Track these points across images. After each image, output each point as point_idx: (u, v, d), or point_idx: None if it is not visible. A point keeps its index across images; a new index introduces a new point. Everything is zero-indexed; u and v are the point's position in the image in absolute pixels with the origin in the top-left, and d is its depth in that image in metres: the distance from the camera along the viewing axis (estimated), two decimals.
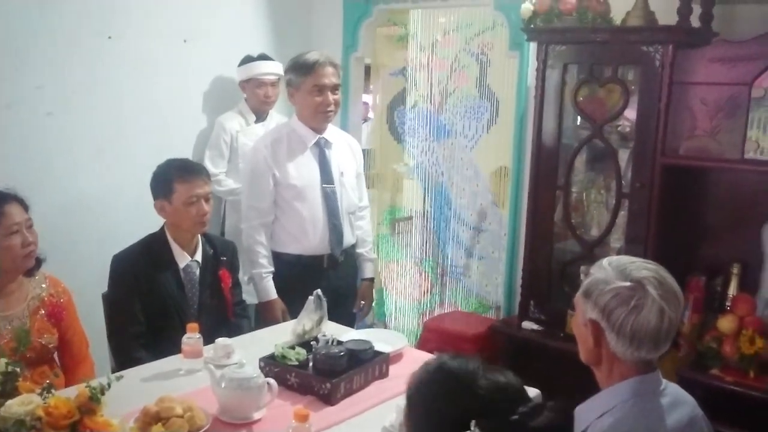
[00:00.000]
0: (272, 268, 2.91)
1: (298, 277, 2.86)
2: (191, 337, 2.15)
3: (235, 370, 1.87)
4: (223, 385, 1.85)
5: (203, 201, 2.53)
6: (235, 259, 2.76)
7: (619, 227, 2.90)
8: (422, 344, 3.44)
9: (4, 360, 1.55)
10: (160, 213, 2.55)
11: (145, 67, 3.40)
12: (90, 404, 1.51)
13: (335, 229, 2.93)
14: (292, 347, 2.18)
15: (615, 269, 1.51)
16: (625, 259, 1.55)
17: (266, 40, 3.88)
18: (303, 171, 2.90)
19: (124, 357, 2.41)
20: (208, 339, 2.30)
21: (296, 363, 2.10)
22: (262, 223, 2.90)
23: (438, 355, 1.44)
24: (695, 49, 2.59)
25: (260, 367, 2.09)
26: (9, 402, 1.47)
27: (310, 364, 2.10)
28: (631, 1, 2.77)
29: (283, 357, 2.11)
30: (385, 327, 4.21)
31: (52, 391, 1.55)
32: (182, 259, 2.56)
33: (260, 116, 3.67)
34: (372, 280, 3.22)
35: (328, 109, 2.87)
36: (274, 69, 3.59)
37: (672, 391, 1.57)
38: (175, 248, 2.55)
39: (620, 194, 2.85)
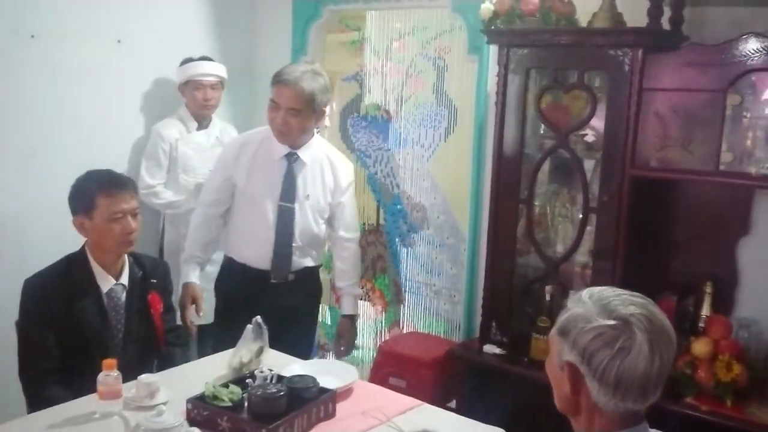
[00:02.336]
0: (200, 255, 2.84)
1: (245, 287, 2.73)
2: (108, 374, 1.88)
3: (152, 418, 1.61)
4: None
5: (129, 217, 2.28)
6: (167, 281, 2.51)
7: (585, 243, 2.72)
8: (376, 369, 3.21)
9: None
10: (80, 231, 2.29)
11: (73, 69, 3.12)
12: None
13: (281, 250, 2.73)
14: (226, 385, 1.93)
15: (597, 304, 1.29)
16: (609, 292, 1.32)
17: (209, 42, 3.64)
18: (261, 183, 2.72)
19: (35, 396, 2.13)
20: (136, 372, 2.05)
21: (229, 404, 1.85)
22: (206, 213, 2.83)
23: None
24: (666, 54, 2.43)
25: (187, 410, 1.83)
26: None
27: (245, 405, 1.85)
28: (597, 2, 2.61)
29: (215, 397, 1.86)
30: None
31: None
32: (105, 282, 2.30)
33: (202, 123, 3.42)
34: (353, 317, 2.98)
35: (277, 127, 2.66)
36: (214, 70, 3.36)
37: None
38: (97, 270, 2.29)
39: (587, 208, 2.67)
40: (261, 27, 3.88)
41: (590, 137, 2.73)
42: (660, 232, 2.73)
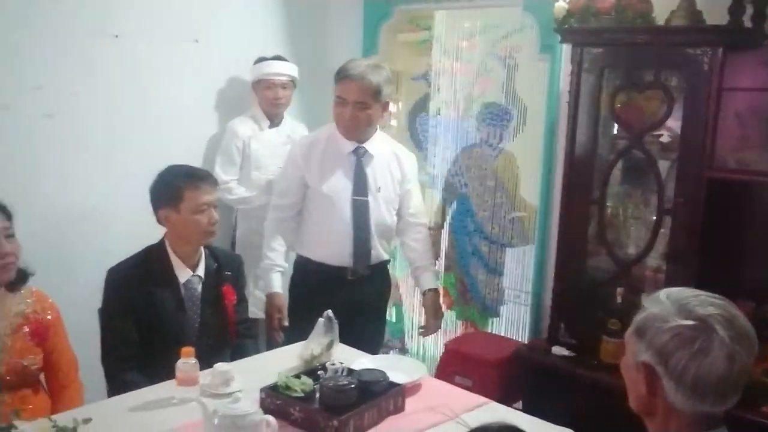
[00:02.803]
0: (282, 264, 2.87)
1: (321, 285, 2.73)
2: (186, 362, 1.95)
3: (229, 404, 1.65)
4: (215, 422, 1.64)
5: (212, 208, 2.35)
6: (240, 274, 2.57)
7: (658, 245, 2.67)
8: (442, 368, 3.21)
9: None
10: (164, 223, 2.36)
11: (152, 68, 3.23)
12: None
13: (361, 244, 2.75)
14: (298, 376, 1.97)
15: (674, 304, 1.28)
16: (687, 292, 1.30)
17: (282, 42, 3.70)
18: (334, 179, 2.74)
19: (115, 380, 2.22)
20: (209, 362, 2.10)
21: (301, 395, 1.88)
22: (279, 218, 2.86)
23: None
24: (747, 52, 2.36)
25: (261, 399, 1.88)
26: None
27: (317, 396, 1.89)
28: None
29: (287, 387, 1.90)
30: (403, 345, 3.99)
31: (13, 431, 1.34)
32: (183, 273, 2.37)
33: (273, 121, 3.49)
34: (436, 290, 2.99)
35: (346, 123, 2.68)
36: (285, 70, 3.41)
37: None
38: (176, 262, 2.36)
39: (661, 209, 2.61)
40: (332, 27, 3.92)
41: (665, 138, 2.67)
42: (737, 236, 2.65)
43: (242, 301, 2.57)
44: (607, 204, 2.79)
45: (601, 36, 2.66)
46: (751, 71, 2.34)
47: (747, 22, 2.47)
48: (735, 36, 2.40)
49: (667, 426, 1.30)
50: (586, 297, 2.83)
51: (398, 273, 3.81)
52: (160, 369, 2.11)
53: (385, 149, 2.83)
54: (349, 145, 2.74)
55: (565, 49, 2.95)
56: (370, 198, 2.74)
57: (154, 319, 2.28)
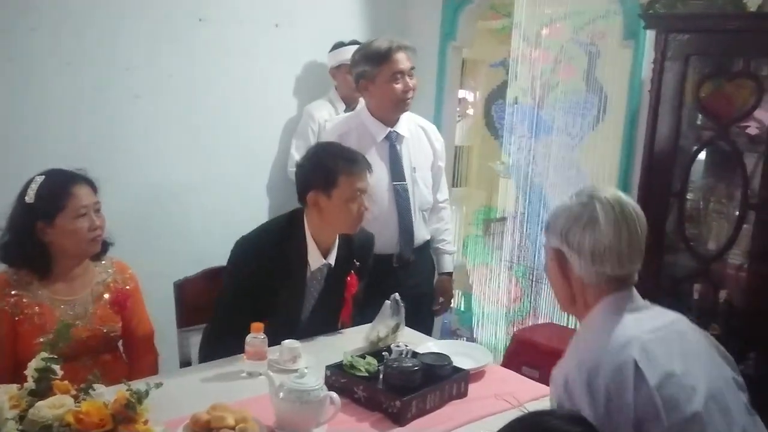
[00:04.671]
0: None
1: (370, 275, 2.65)
2: (256, 337, 1.99)
3: (295, 379, 1.69)
4: (281, 396, 1.68)
5: (364, 195, 2.22)
6: (368, 260, 2.46)
7: (741, 242, 2.56)
8: (509, 357, 3.18)
9: (43, 355, 1.43)
10: (311, 207, 2.20)
11: (234, 51, 3.31)
12: (126, 412, 1.36)
13: (406, 229, 2.74)
14: (363, 356, 1.99)
15: (574, 193, 1.51)
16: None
17: (360, 27, 3.72)
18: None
19: (210, 351, 2.20)
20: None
21: (366, 374, 1.90)
22: None
23: (535, 414, 1.25)
24: None
25: (326, 376, 1.91)
26: (40, 403, 1.34)
27: (381, 377, 1.90)
28: None
29: (352, 367, 1.92)
30: (472, 334, 3.97)
31: (90, 392, 1.41)
32: (315, 260, 2.25)
33: (350, 105, 3.51)
34: (450, 274, 3.01)
35: (408, 95, 2.68)
36: None
37: (655, 312, 1.50)
38: (311, 247, 2.23)
39: (746, 204, 2.50)
40: (411, 12, 3.91)
41: (753, 129, 2.55)
42: None
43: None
44: (688, 197, 2.70)
45: (689, 22, 2.56)
46: None
47: None
48: None
49: (586, 303, 1.49)
50: (662, 292, 2.74)
51: (468, 263, 3.80)
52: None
53: (412, 126, 2.81)
54: (382, 131, 2.71)
55: (649, 36, 2.86)
56: (408, 181, 2.72)
57: (270, 302, 2.16)
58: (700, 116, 2.66)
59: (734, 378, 1.51)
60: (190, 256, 2.67)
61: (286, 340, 2.09)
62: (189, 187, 3.24)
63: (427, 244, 2.89)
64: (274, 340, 2.04)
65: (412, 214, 2.74)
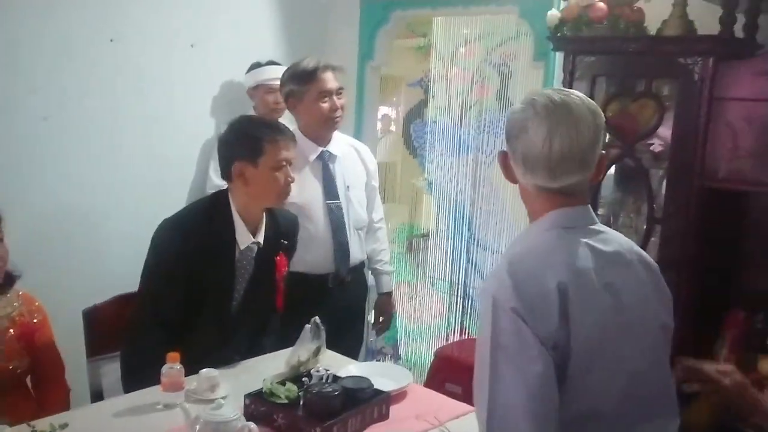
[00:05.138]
0: None
1: (303, 297, 2.63)
2: (171, 367, 1.94)
3: (211, 411, 1.65)
4: (197, 429, 1.65)
5: (289, 167, 2.19)
6: (295, 242, 2.43)
7: (649, 254, 2.63)
8: (433, 374, 3.21)
9: None
10: (237, 180, 2.15)
11: (149, 71, 3.23)
12: None
13: (341, 247, 2.74)
14: (283, 382, 1.96)
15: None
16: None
17: (278, 47, 3.71)
18: (304, 187, 2.69)
19: (134, 348, 2.11)
20: (247, 338, 2.19)
21: (286, 401, 1.88)
22: None
23: None
24: (739, 62, 2.36)
25: (245, 405, 1.88)
26: None
27: (301, 403, 1.89)
28: (668, 9, 2.55)
29: (272, 394, 1.90)
30: (396, 352, 3.99)
31: None
32: (244, 239, 2.18)
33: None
34: (390, 294, 3.06)
35: (336, 114, 2.70)
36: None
37: (610, 236, 1.45)
38: (239, 225, 2.17)
39: (652, 219, 2.60)
40: (329, 32, 3.92)
41: (657, 147, 2.67)
42: (730, 246, 2.64)
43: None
44: (599, 212, 2.79)
45: (594, 44, 2.66)
46: (743, 81, 2.33)
47: (739, 33, 2.47)
48: (727, 46, 2.40)
49: (533, 210, 1.46)
50: None
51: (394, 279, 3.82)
52: (191, 347, 2.02)
53: (345, 146, 2.84)
54: (314, 151, 2.72)
55: (559, 57, 2.96)
56: (342, 200, 2.74)
57: (201, 286, 2.10)
58: (607, 135, 2.76)
59: (663, 326, 1.45)
60: (100, 283, 2.59)
61: (204, 369, 2.04)
62: (101, 211, 3.14)
63: (362, 264, 2.90)
64: (205, 336, 2.05)
65: (347, 233, 2.75)
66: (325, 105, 2.67)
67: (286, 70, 2.78)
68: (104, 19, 3.07)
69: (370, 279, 3.05)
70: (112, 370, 2.23)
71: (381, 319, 3.05)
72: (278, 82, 3.37)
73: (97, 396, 2.22)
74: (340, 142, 2.83)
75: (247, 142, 2.14)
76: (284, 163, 2.17)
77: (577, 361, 1.30)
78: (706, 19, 2.46)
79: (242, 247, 2.20)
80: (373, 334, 3.40)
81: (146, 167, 3.26)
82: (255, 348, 2.33)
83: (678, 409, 1.49)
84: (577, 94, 1.41)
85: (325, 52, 3.89)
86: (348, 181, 2.78)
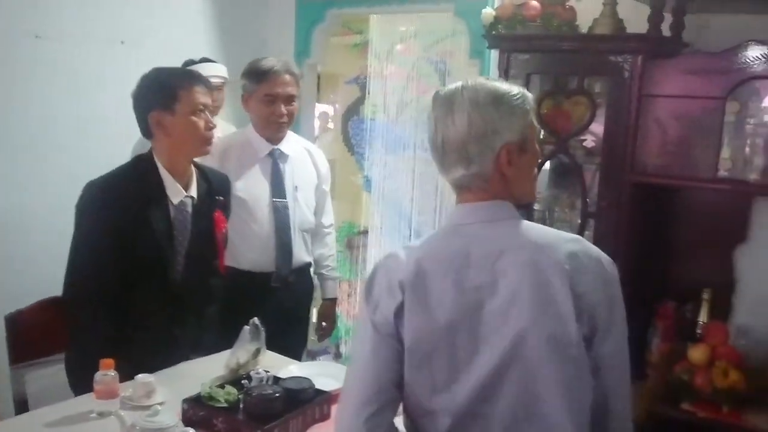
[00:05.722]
0: None
1: (245, 294, 2.64)
2: (106, 374, 1.88)
3: (148, 418, 1.61)
4: None
5: (208, 113, 2.14)
6: (229, 200, 2.41)
7: None
8: None
9: None
10: (156, 130, 2.11)
11: (77, 69, 3.14)
12: None
13: (283, 247, 2.72)
14: (222, 386, 1.93)
15: None
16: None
17: (214, 43, 3.65)
18: (251, 183, 2.70)
19: (78, 326, 2.04)
20: (195, 298, 2.17)
21: (225, 405, 1.85)
22: None
23: None
24: (666, 60, 2.43)
25: (183, 410, 1.84)
26: None
27: (241, 406, 1.86)
28: (599, 8, 2.61)
29: (211, 398, 1.86)
30: (338, 350, 3.98)
31: None
32: (175, 193, 2.13)
33: None
34: (334, 300, 3.06)
35: (280, 120, 2.67)
36: (217, 72, 3.36)
37: (505, 234, 1.35)
38: (167, 179, 2.11)
39: (585, 213, 2.66)
40: (265, 29, 3.89)
41: (590, 143, 2.73)
42: (660, 239, 2.72)
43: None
44: (536, 207, 2.84)
45: (528, 42, 2.70)
46: (671, 78, 2.40)
47: (666, 31, 2.55)
48: (654, 44, 2.47)
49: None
50: None
51: None
52: (134, 308, 2.02)
53: (298, 147, 2.83)
54: (265, 147, 2.71)
55: (494, 55, 2.99)
56: (288, 199, 2.72)
57: (139, 246, 2.04)
58: (542, 131, 2.80)
59: (551, 336, 1.28)
60: (24, 287, 2.48)
61: (139, 375, 1.99)
62: (27, 213, 3.03)
63: (308, 267, 2.88)
64: (150, 309, 2.03)
65: (292, 233, 2.73)
66: (271, 108, 2.65)
67: (247, 65, 2.74)
68: (29, 13, 2.96)
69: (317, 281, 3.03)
70: (37, 377, 2.15)
71: (324, 324, 3.04)
72: (213, 80, 3.33)
73: (21, 406, 2.13)
74: (294, 143, 2.81)
75: (160, 90, 2.10)
76: (201, 108, 2.12)
77: (409, 357, 1.34)
78: (636, 18, 2.53)
79: (175, 201, 2.14)
80: (315, 339, 3.39)
81: (76, 167, 3.12)
82: (204, 324, 2.30)
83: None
84: (491, 84, 1.37)
85: (261, 50, 3.85)
86: (297, 182, 2.76)
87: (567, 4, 2.71)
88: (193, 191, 2.20)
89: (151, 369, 2.01)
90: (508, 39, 2.73)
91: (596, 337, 1.31)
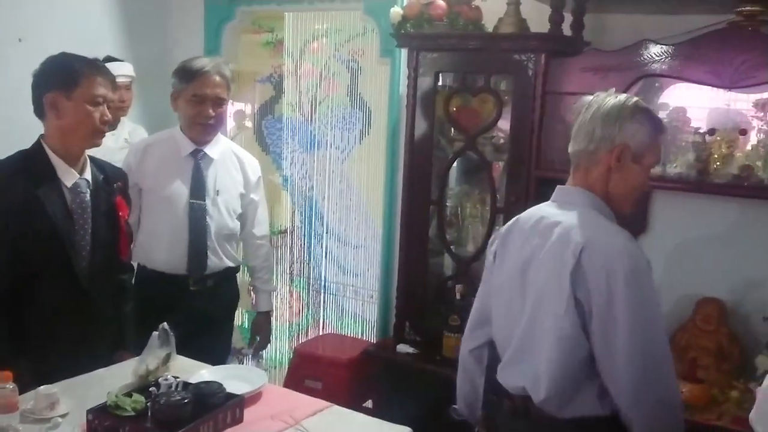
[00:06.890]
0: None
1: (161, 296, 2.58)
2: (4, 387, 1.79)
3: (48, 431, 1.55)
4: None
5: (106, 107, 2.11)
6: (128, 190, 2.38)
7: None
8: (293, 371, 3.20)
9: None
10: (50, 111, 2.07)
11: None
12: None
13: (196, 250, 2.65)
14: (130, 394, 1.87)
15: None
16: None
17: (117, 42, 3.53)
18: (170, 181, 2.63)
19: None
20: (103, 284, 2.14)
21: (132, 413, 1.79)
22: None
23: None
24: (568, 59, 2.51)
25: (88, 421, 1.78)
26: None
27: (149, 413, 1.81)
28: (503, 7, 2.67)
29: (117, 407, 1.80)
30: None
31: None
32: (68, 176, 2.09)
33: (110, 124, 3.31)
34: (268, 313, 2.99)
35: (207, 121, 2.61)
36: (125, 71, 3.27)
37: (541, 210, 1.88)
38: (58, 163, 2.08)
39: (495, 208, 2.73)
40: (173, 27, 3.81)
41: (498, 139, 2.79)
42: None
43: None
44: (447, 203, 2.89)
45: (435, 41, 2.74)
46: (572, 76, 2.49)
47: (568, 31, 2.63)
48: (556, 43, 2.55)
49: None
50: (429, 295, 2.91)
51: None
52: (42, 300, 1.98)
53: (226, 152, 2.77)
54: (188, 147, 2.65)
55: (404, 54, 3.02)
56: (207, 202, 2.66)
57: (38, 230, 2.00)
58: (452, 128, 2.85)
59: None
60: None
61: (42, 386, 1.91)
62: None
63: (232, 273, 2.82)
64: (53, 301, 1.99)
65: (207, 236, 2.66)
66: (194, 111, 2.59)
67: (179, 64, 2.67)
68: None
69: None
70: None
71: (259, 338, 2.97)
72: (121, 79, 3.23)
73: None
74: (222, 147, 2.74)
75: (62, 72, 2.07)
76: (100, 100, 2.09)
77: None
78: (539, 18, 2.61)
79: (68, 184, 2.11)
80: (249, 352, 3.34)
81: None
82: (118, 319, 2.28)
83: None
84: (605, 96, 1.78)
85: (169, 48, 3.78)
86: (219, 186, 2.70)
87: (473, 3, 2.77)
88: (88, 175, 2.17)
89: (59, 376, 1.96)
90: (416, 38, 2.76)
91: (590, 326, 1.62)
